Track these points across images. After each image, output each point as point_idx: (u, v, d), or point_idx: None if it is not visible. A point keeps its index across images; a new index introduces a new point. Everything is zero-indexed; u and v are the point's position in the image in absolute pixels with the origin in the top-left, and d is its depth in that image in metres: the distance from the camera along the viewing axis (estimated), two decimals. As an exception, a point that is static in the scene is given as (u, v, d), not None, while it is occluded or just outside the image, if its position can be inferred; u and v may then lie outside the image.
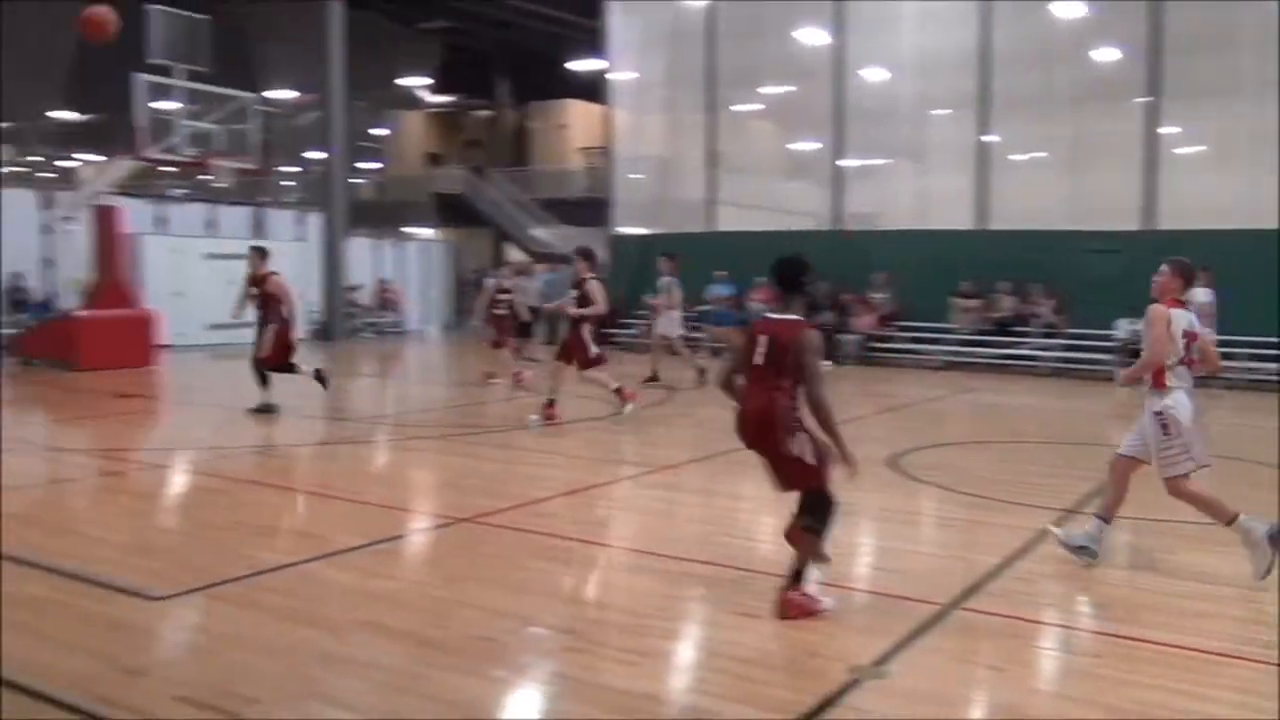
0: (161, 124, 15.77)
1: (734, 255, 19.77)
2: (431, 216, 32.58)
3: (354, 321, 24.32)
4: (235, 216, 23.78)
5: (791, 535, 4.79)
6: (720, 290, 20.01)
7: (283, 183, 37.61)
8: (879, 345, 18.42)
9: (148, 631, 4.61)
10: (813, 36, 20.62)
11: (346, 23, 23.11)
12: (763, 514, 7.28)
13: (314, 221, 24.17)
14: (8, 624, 4.45)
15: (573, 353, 10.55)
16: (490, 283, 14.36)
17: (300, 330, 11.18)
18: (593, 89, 30.54)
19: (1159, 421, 5.39)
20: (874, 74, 20.44)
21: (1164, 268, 5.60)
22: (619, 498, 7.60)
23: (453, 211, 35.41)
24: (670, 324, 14.53)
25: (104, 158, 33.43)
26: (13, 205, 19.65)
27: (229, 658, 4.14)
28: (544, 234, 34.39)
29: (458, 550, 5.90)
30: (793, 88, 22.07)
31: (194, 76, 15.90)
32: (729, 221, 21.84)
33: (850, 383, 15.48)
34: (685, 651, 4.52)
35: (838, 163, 20.50)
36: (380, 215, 34.32)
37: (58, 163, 38.74)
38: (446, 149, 41.68)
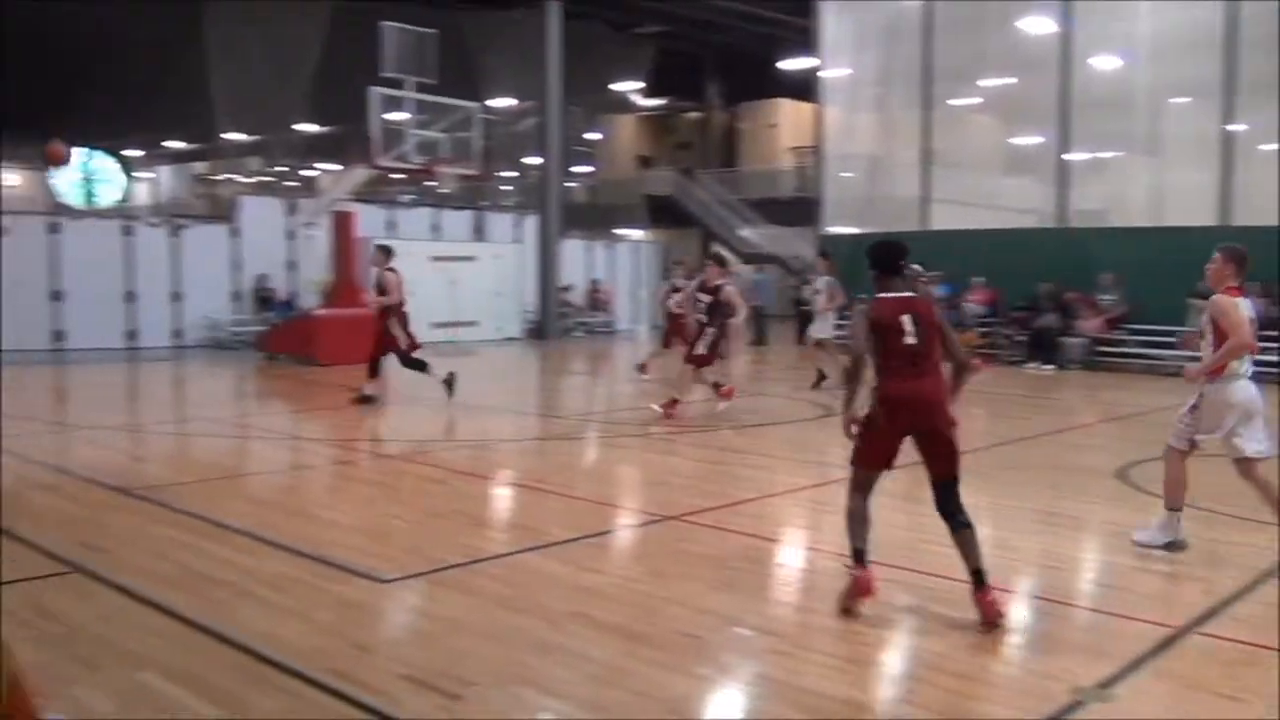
0: (393, 134, 16.71)
1: (948, 255, 19.13)
2: (642, 218, 33.13)
3: (566, 321, 25.04)
4: (458, 220, 24.95)
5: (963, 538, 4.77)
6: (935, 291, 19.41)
7: (502, 187, 39.17)
8: (1106, 349, 17.39)
9: (375, 611, 4.90)
10: (1038, 25, 19.68)
11: (564, 32, 23.83)
12: (976, 523, 7.02)
13: (530, 224, 25.04)
14: (251, 596, 4.84)
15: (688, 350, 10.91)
16: (665, 283, 14.40)
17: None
18: (803, 88, 30.23)
19: (1201, 403, 5.59)
20: (1104, 62, 19.29)
21: (1216, 255, 5.56)
22: (825, 500, 7.47)
23: (662, 213, 35.91)
24: (824, 326, 14.22)
25: (341, 167, 35.75)
26: (261, 212, 21.36)
27: (449, 641, 4.34)
28: (752, 234, 34.36)
29: (664, 547, 5.97)
30: (1014, 80, 21.14)
31: (422, 88, 16.76)
32: (943, 220, 21.15)
33: (1074, 389, 14.71)
34: (893, 661, 4.41)
35: (1063, 157, 19.48)
36: (593, 217, 35.18)
37: (301, 172, 41.76)
38: (657, 151, 42.30)
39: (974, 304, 19.36)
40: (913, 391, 4.75)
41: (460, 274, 21.79)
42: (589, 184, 40.41)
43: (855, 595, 4.70)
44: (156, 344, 19.42)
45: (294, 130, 28.16)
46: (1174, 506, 5.72)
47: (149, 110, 36.61)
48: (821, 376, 13.70)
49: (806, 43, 25.21)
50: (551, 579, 5.26)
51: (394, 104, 16.71)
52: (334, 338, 16.25)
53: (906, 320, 4.74)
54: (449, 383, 11.73)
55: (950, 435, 4.76)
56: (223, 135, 28.95)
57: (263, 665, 4.00)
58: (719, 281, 10.79)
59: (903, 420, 4.77)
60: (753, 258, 32.05)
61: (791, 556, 6.06)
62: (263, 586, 5.01)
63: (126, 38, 26.92)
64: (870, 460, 4.95)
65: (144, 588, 4.92)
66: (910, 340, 4.72)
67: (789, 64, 31.41)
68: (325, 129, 37.35)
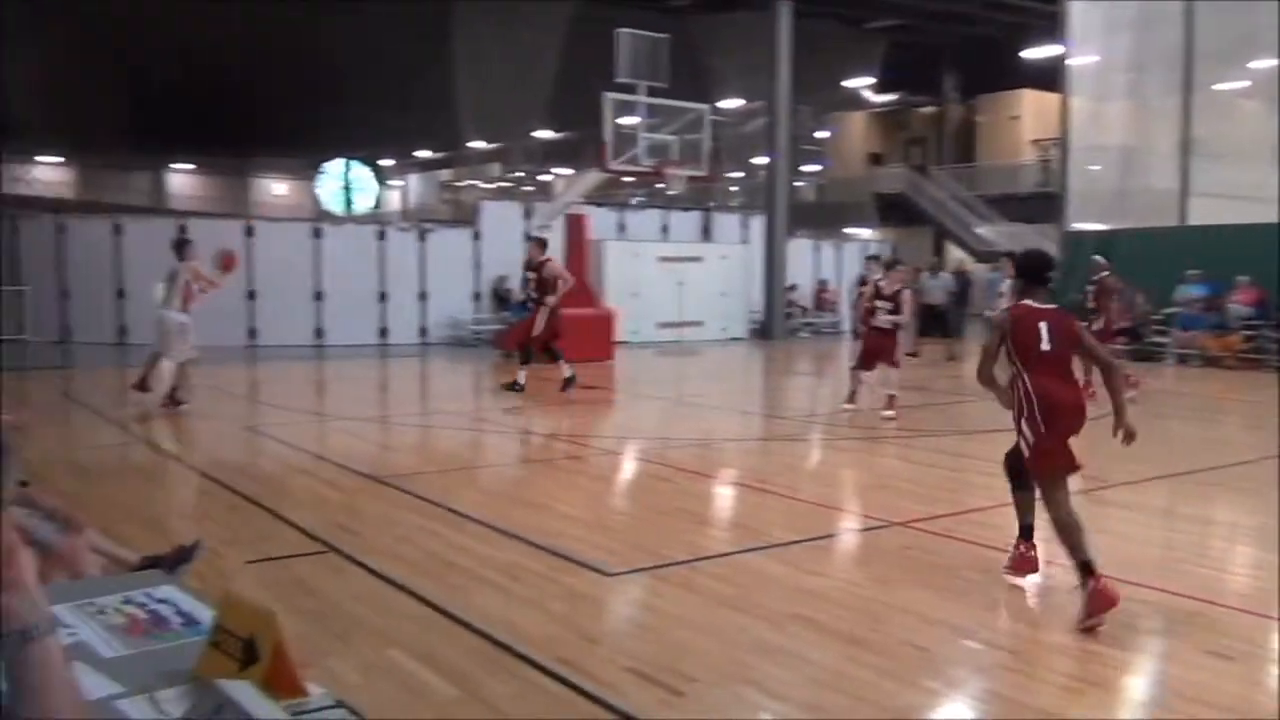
0: (624, 137, 17.10)
1: (1209, 252, 17.71)
2: (871, 216, 32.46)
3: (792, 321, 24.84)
4: (686, 221, 25.24)
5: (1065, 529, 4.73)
6: (1192, 291, 18.04)
7: (730, 188, 39.34)
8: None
9: (602, 604, 5.02)
10: (1315, -1, 17.90)
11: (793, 31, 23.66)
12: (1239, 542, 6.47)
13: (757, 224, 25.02)
14: (487, 583, 5.06)
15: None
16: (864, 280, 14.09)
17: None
18: (1048, 77, 28.74)
19: None
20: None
21: None
22: (1067, 512, 7.08)
23: (893, 211, 35.05)
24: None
25: (574, 171, 36.87)
26: (500, 215, 22.35)
27: (672, 636, 4.38)
28: (989, 231, 33.00)
29: (891, 553, 5.81)
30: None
31: (653, 92, 17.06)
32: (1204, 214, 19.56)
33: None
34: (1138, 686, 4.11)
35: (1344, 144, 17.63)
36: (820, 216, 34.77)
37: (538, 177, 43.42)
38: (887, 148, 41.32)
39: (1239, 304, 17.84)
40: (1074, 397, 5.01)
41: (687, 274, 22.02)
42: (817, 183, 39.95)
43: (1100, 609, 4.40)
44: (404, 341, 20.69)
45: (532, 137, 29.30)
46: None
47: (400, 123, 39.11)
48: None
49: (1052, 30, 23.96)
50: (773, 580, 5.22)
51: (626, 108, 17.10)
52: (564, 336, 16.78)
53: (1044, 328, 4.93)
54: (570, 381, 12.24)
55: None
56: (467, 144, 30.49)
57: (497, 650, 4.17)
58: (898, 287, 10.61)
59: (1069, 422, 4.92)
60: (989, 256, 30.75)
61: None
62: (498, 574, 5.23)
63: (380, 55, 28.84)
64: (1049, 464, 4.97)
65: (390, 569, 5.24)
66: (1046, 347, 4.91)
67: (1033, 53, 29.95)
68: (560, 135, 38.74)
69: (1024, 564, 5.20)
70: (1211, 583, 5.29)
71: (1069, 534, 4.73)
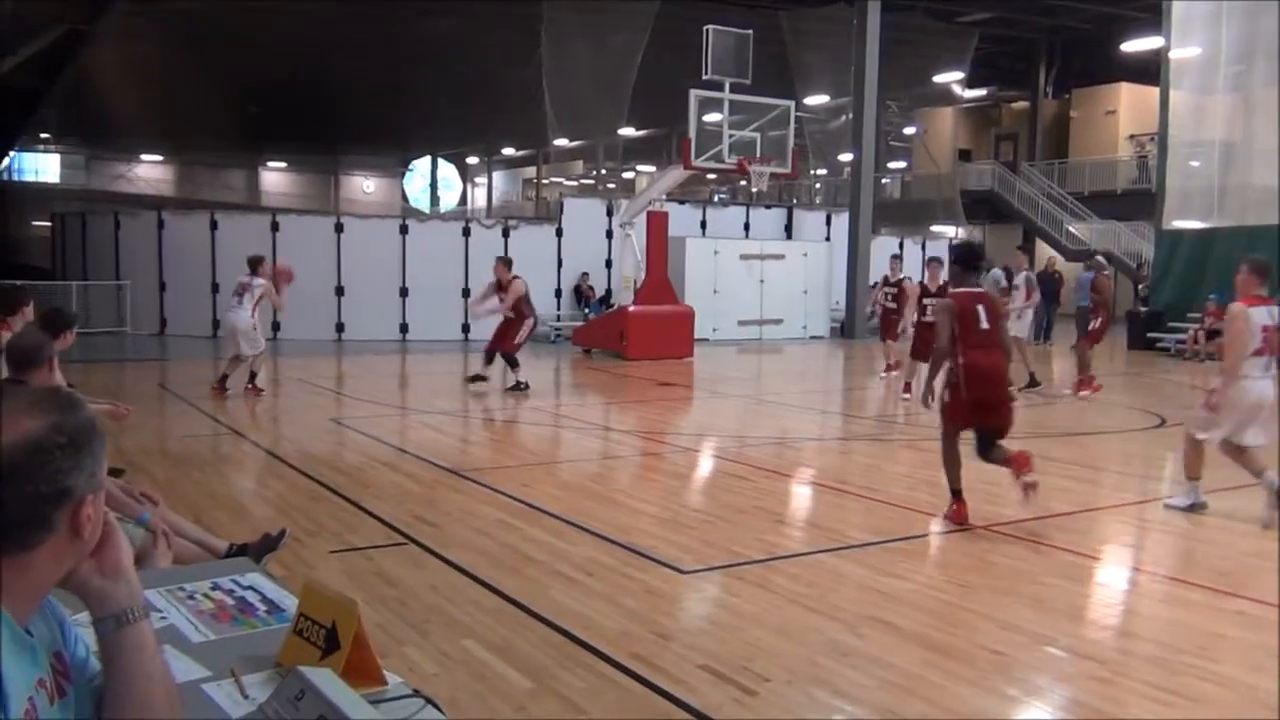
0: (708, 134, 17.06)
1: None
2: (958, 214, 31.87)
3: (874, 320, 24.50)
4: (768, 218, 25.09)
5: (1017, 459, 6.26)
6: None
7: (814, 185, 38.97)
8: None
9: (677, 601, 5.03)
10: None
11: (881, 26, 23.33)
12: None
13: (840, 221, 24.76)
14: (563, 578, 5.11)
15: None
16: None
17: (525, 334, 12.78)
18: (1146, 71, 27.94)
19: (1206, 397, 6.67)
20: None
21: (1241, 266, 6.46)
22: (1152, 519, 6.88)
23: (981, 208, 34.37)
24: (1021, 325, 13.46)
25: (656, 168, 36.85)
26: (584, 213, 22.49)
27: (747, 635, 4.38)
28: (1081, 229, 32.20)
29: (970, 557, 5.71)
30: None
31: (737, 88, 16.98)
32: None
33: None
34: (1230, 699, 3.97)
35: None
36: (906, 214, 34.23)
37: (621, 174, 43.55)
38: (977, 144, 40.53)
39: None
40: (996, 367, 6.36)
41: (768, 272, 21.91)
42: (903, 179, 39.37)
43: (955, 521, 6.29)
44: (485, 337, 20.89)
45: (615, 134, 29.41)
46: (1192, 477, 6.63)
47: (485, 121, 39.56)
48: (1032, 380, 13.14)
49: (1151, 22, 23.27)
50: (850, 581, 5.18)
51: (711, 105, 17.05)
52: (643, 333, 16.83)
53: (982, 311, 6.35)
54: (519, 386, 12.55)
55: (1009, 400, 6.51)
56: (551, 141, 30.73)
57: (571, 644, 4.21)
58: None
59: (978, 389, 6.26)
60: (1081, 255, 29.98)
61: (1112, 576, 5.62)
62: (573, 569, 5.27)
63: (467, 54, 29.20)
64: (958, 418, 6.42)
65: (468, 562, 5.32)
66: (987, 327, 6.32)
67: (1131, 45, 29.09)
68: (644, 132, 38.78)
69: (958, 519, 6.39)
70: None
71: (949, 466, 6.48)
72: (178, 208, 25.80)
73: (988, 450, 6.36)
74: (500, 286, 12.68)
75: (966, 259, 6.93)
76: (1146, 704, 3.72)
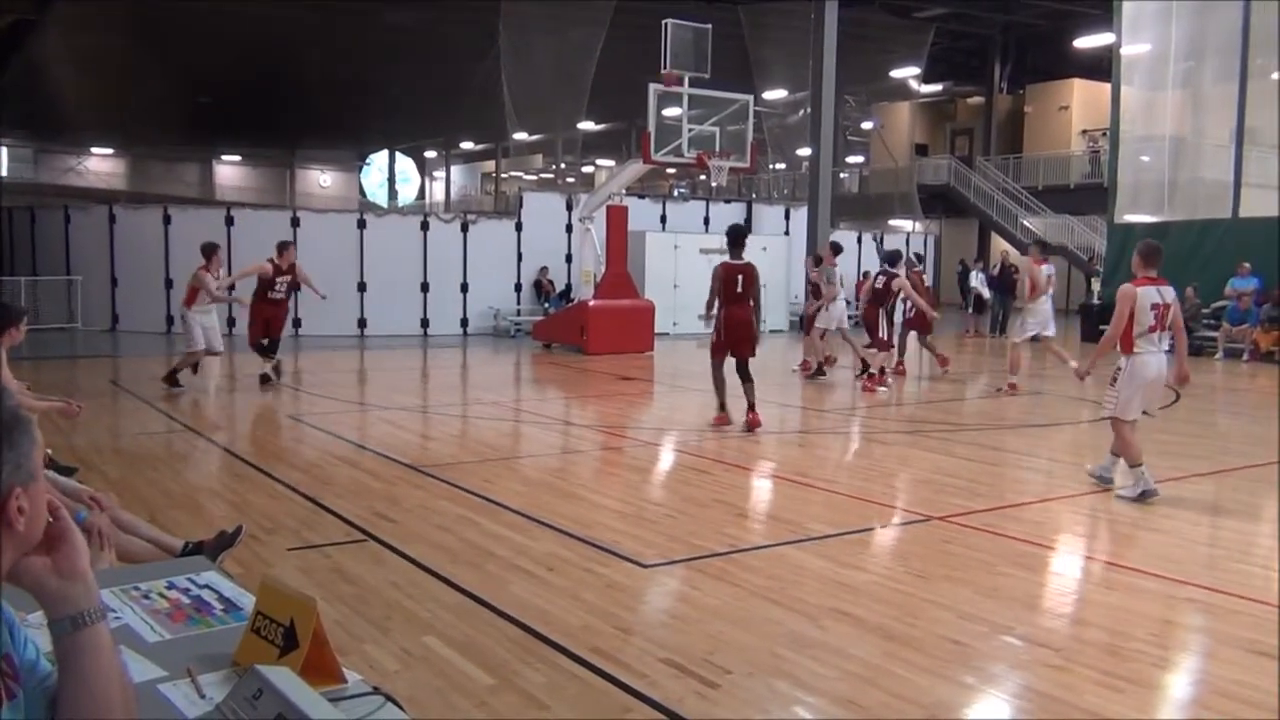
0: (667, 129, 17.05)
1: (1263, 245, 17.37)
2: (915, 208, 32.16)
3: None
4: (727, 212, 25.16)
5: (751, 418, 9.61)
6: (1242, 284, 17.73)
7: (773, 179, 39.13)
8: None
9: (638, 595, 5.03)
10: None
11: (838, 21, 23.45)
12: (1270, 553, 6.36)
13: (799, 216, 24.88)
14: (524, 573, 5.10)
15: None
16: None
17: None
18: (1098, 67, 28.34)
19: (1113, 375, 7.05)
20: None
21: (1135, 251, 7.16)
22: (1108, 508, 7.00)
23: (938, 202, 34.71)
24: (829, 317, 13.97)
25: (615, 162, 36.80)
26: (543, 207, 22.43)
27: (708, 627, 4.39)
28: (1036, 223, 32.59)
29: (929, 548, 5.78)
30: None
31: (696, 83, 16.98)
32: (1256, 207, 19.18)
33: None
34: (1182, 685, 4.05)
35: None
36: (864, 208, 34.50)
37: (580, 168, 43.47)
38: (933, 139, 40.91)
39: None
40: (744, 317, 9.57)
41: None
42: (861, 174, 39.66)
43: (717, 425, 9.62)
44: (446, 332, 20.84)
45: (575, 128, 29.35)
46: (1135, 463, 6.89)
47: (444, 115, 39.30)
48: (822, 367, 14.06)
49: (1103, 19, 23.60)
50: (811, 573, 5.21)
51: (670, 100, 17.04)
52: (603, 328, 16.82)
53: (740, 279, 9.45)
54: (267, 376, 12.33)
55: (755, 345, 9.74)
56: (510, 135, 30.62)
57: (533, 639, 4.20)
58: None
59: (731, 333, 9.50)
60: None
61: (1066, 565, 5.71)
62: (535, 564, 5.26)
63: (425, 48, 28.99)
64: (719, 352, 9.74)
65: (428, 558, 5.30)
66: (741, 290, 9.46)
67: (1084, 42, 29.48)
68: (603, 127, 38.73)
69: (720, 424, 9.72)
70: (1256, 580, 5.21)
71: (717, 387, 9.84)
72: (130, 202, 25.39)
73: (743, 372, 9.58)
74: (287, 271, 12.53)
75: (734, 239, 9.67)
76: (1100, 690, 3.78)
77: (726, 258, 9.63)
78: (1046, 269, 12.83)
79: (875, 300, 13.78)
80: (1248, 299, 17.81)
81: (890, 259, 13.96)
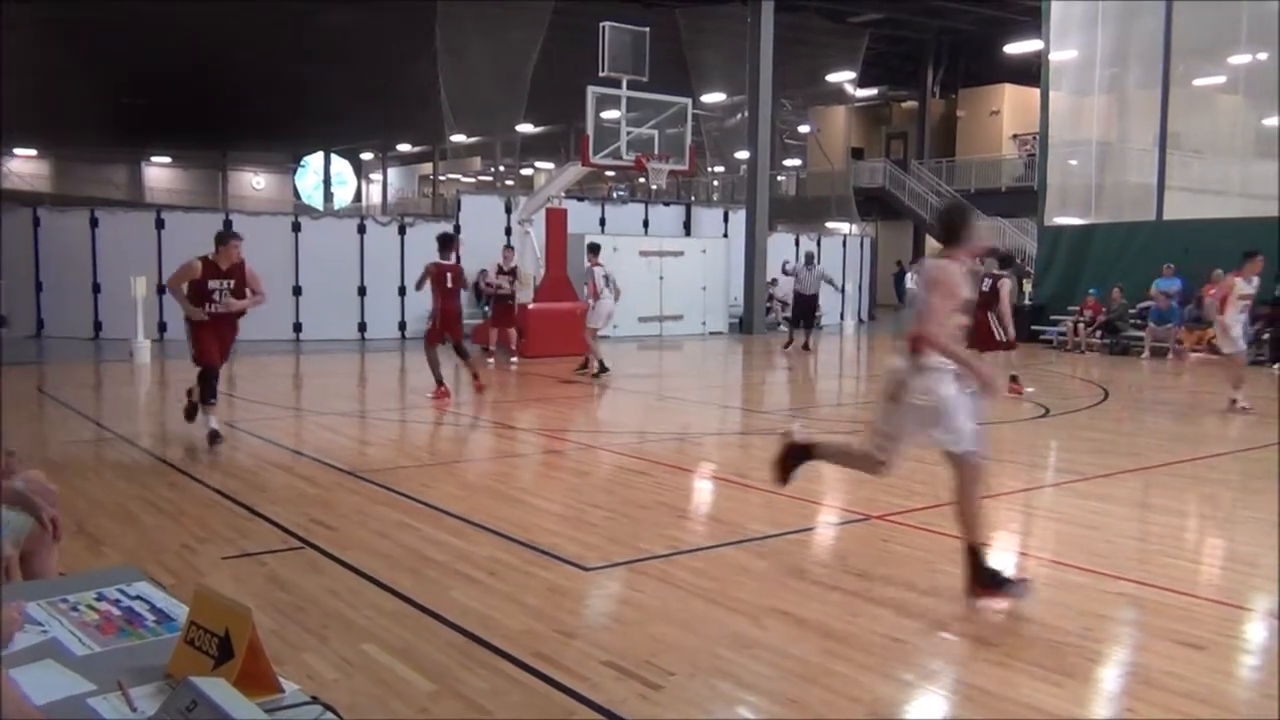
0: (606, 131, 17.07)
1: (1185, 246, 17.85)
2: (851, 210, 32.58)
3: (771, 315, 24.89)
4: (667, 215, 25.25)
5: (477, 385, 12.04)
6: (1166, 285, 18.19)
7: (712, 182, 39.34)
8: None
9: (580, 598, 5.01)
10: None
11: (775, 24, 23.67)
12: (1210, 534, 6.55)
13: (738, 218, 25.05)
14: (464, 578, 5.05)
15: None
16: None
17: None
18: (1028, 72, 28.89)
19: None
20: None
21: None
22: (1042, 505, 7.14)
23: (874, 205, 35.16)
24: (595, 317, 14.29)
25: (555, 165, 36.68)
26: (482, 209, 22.29)
27: (650, 629, 4.39)
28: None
29: (868, 547, 5.84)
30: (1265, 55, 19.44)
31: (635, 86, 17.03)
32: (1180, 209, 19.72)
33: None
34: (1115, 678, 4.14)
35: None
36: (801, 210, 34.83)
37: (519, 171, 43.28)
38: (869, 142, 41.44)
39: (1214, 298, 18.01)
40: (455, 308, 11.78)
41: (668, 268, 22.05)
42: (798, 176, 40.02)
43: (435, 399, 11.31)
44: (383, 336, 20.61)
45: (513, 130, 29.25)
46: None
47: (380, 116, 38.92)
48: (591, 365, 14.20)
49: (1032, 25, 24.09)
50: (752, 574, 5.24)
51: (608, 102, 17.06)
52: (542, 331, 16.77)
53: (449, 276, 11.54)
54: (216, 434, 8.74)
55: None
56: (447, 137, 30.42)
57: (474, 644, 4.16)
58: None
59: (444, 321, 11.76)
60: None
61: (1003, 563, 5.79)
62: (475, 569, 5.22)
63: (361, 49, 28.68)
64: (435, 338, 11.97)
65: (367, 565, 5.23)
66: (451, 285, 11.69)
67: (1014, 48, 30.09)
68: (542, 129, 38.62)
69: (441, 397, 11.58)
70: (1183, 574, 5.35)
71: (433, 367, 11.71)
72: (55, 204, 24.75)
73: (460, 352, 11.87)
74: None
75: (443, 243, 11.68)
76: (1037, 684, 3.84)
77: (438, 258, 11.69)
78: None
79: (984, 304, 12.42)
80: (1165, 299, 18.26)
81: (1003, 261, 13.01)
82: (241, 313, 8.96)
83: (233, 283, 8.84)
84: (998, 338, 12.13)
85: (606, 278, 14.37)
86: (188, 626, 2.04)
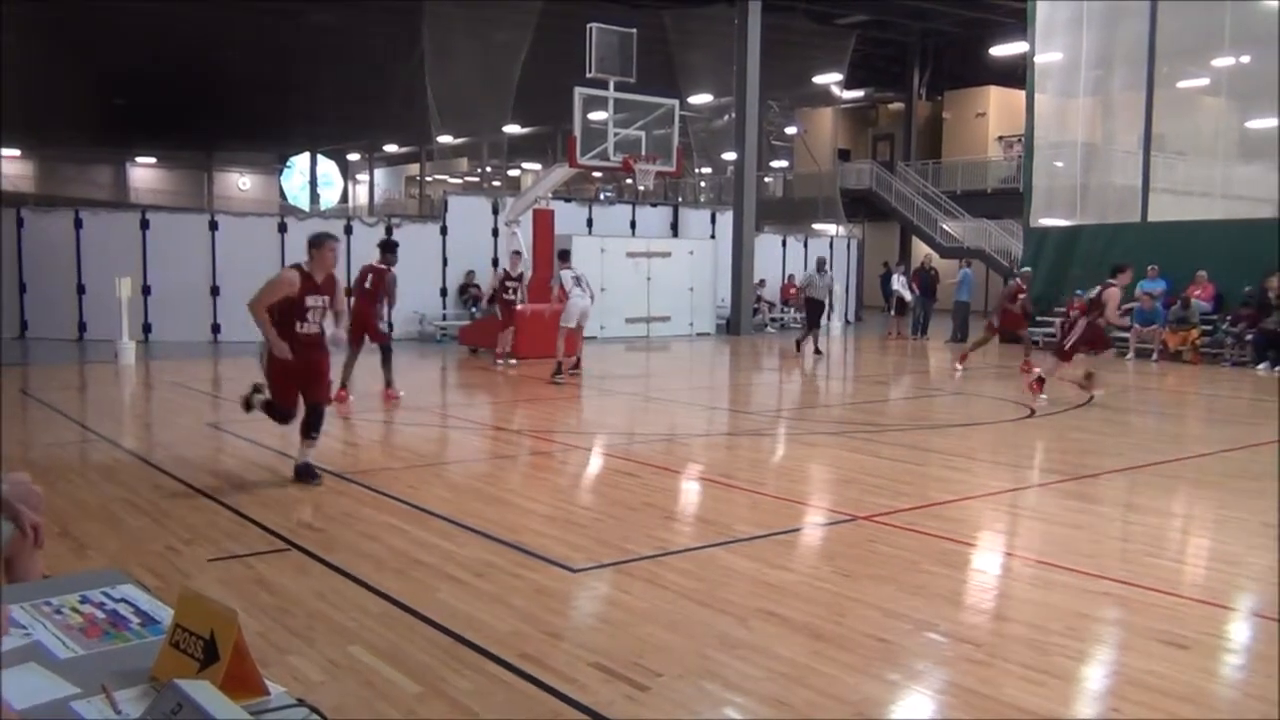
0: (593, 133, 17.06)
1: (1170, 247, 17.95)
2: (838, 212, 32.66)
3: (759, 317, 24.94)
4: (654, 216, 25.26)
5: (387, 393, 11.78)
6: (1151, 286, 18.29)
7: (699, 183, 39.37)
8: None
9: (567, 599, 5.01)
10: (1278, -2, 18.19)
11: (762, 26, 23.71)
12: (1196, 535, 6.58)
13: (725, 219, 25.09)
14: (451, 579, 5.05)
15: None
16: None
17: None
18: (1014, 74, 29.02)
19: None
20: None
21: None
22: (1028, 506, 7.17)
23: (860, 206, 35.26)
24: (567, 316, 14.18)
25: (541, 166, 36.66)
26: (469, 210, 22.27)
27: (638, 631, 4.39)
28: (955, 227, 33.29)
29: (854, 547, 5.86)
30: (1248, 58, 19.58)
31: (621, 87, 17.03)
32: (1164, 211, 19.83)
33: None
34: (1099, 677, 4.16)
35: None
36: (788, 212, 34.88)
37: (506, 172, 43.24)
38: (855, 144, 41.54)
39: (1198, 299, 18.12)
40: (367, 309, 11.75)
41: (655, 270, 22.06)
42: (785, 178, 40.09)
43: (338, 400, 10.31)
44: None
45: (500, 132, 29.22)
46: None
47: (367, 117, 38.81)
48: (572, 364, 14.32)
49: (1018, 27, 24.20)
50: (739, 574, 5.25)
51: (595, 103, 17.06)
52: (530, 332, 16.75)
53: (370, 276, 11.79)
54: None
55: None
56: (434, 138, 30.40)
57: (460, 646, 4.16)
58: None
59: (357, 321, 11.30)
60: (955, 252, 31.05)
61: (988, 562, 5.83)
62: (462, 570, 5.21)
63: (348, 50, 28.60)
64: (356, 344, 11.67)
65: (353, 567, 5.22)
66: (369, 287, 11.70)
67: (1000, 50, 30.21)
68: (529, 130, 38.60)
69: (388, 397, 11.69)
70: (1167, 574, 5.38)
71: (345, 369, 11.23)
72: (39, 205, 24.60)
73: (385, 357, 11.88)
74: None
75: (385, 248, 12.07)
76: (1021, 684, 3.86)
77: (381, 263, 11.91)
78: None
79: (1092, 309, 12.86)
80: (1150, 300, 18.35)
81: (1115, 269, 13.05)
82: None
83: (328, 299, 7.19)
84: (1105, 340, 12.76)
85: (577, 279, 14.35)
86: (172, 629, 2.04)
